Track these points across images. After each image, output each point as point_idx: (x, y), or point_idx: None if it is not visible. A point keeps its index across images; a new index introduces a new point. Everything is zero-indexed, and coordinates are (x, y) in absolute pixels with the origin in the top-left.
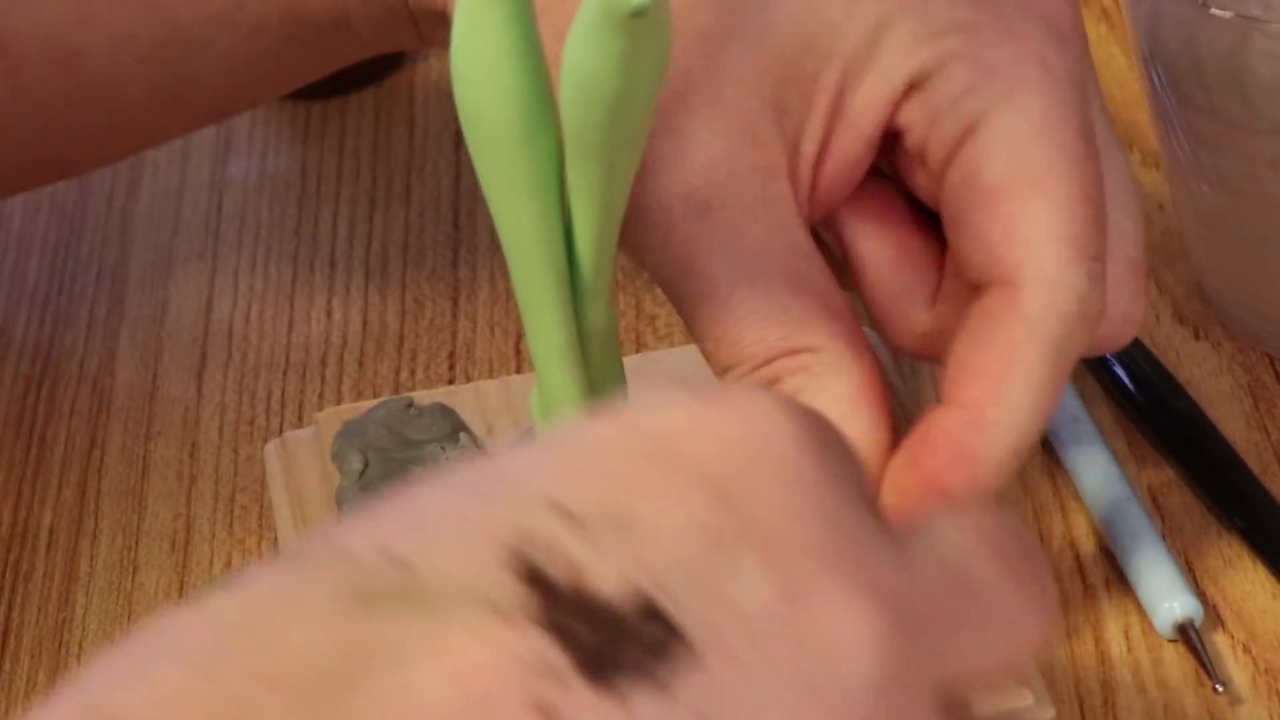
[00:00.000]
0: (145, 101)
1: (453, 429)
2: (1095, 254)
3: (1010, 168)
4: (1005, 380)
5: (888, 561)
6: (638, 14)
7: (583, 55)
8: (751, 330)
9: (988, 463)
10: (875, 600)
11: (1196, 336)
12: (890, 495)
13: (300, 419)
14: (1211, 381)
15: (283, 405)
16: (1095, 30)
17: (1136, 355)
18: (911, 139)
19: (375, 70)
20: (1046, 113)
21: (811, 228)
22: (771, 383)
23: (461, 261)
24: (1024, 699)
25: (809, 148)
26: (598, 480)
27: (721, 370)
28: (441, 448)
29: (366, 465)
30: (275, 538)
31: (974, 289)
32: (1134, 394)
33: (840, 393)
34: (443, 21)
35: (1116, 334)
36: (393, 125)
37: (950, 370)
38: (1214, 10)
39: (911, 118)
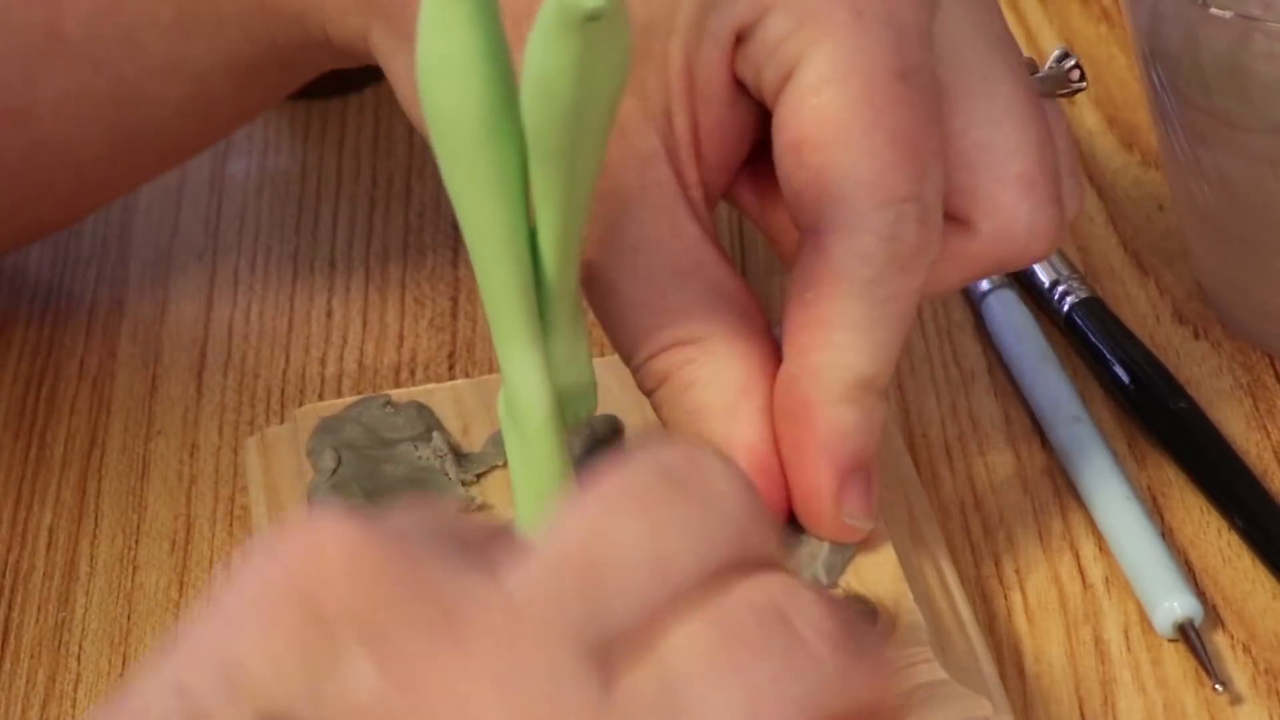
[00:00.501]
0: (101, 158)
1: (427, 428)
2: (905, 195)
3: (814, 117)
4: (822, 324)
5: (489, 603)
6: (592, 17)
7: (540, 58)
8: (639, 322)
9: (825, 407)
10: (480, 639)
11: (1196, 336)
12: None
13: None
14: (1211, 381)
15: (282, 405)
16: (1095, 30)
17: (1136, 355)
18: (750, 90)
19: (375, 70)
20: (853, 57)
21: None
22: (664, 377)
23: (461, 261)
24: (983, 708)
25: (680, 125)
26: (207, 653)
27: (626, 361)
28: (415, 446)
29: (340, 462)
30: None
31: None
32: (1134, 394)
33: (728, 382)
34: (360, 56)
35: (1022, 250)
36: (393, 125)
37: (784, 323)
38: (1214, 10)
39: (743, 71)
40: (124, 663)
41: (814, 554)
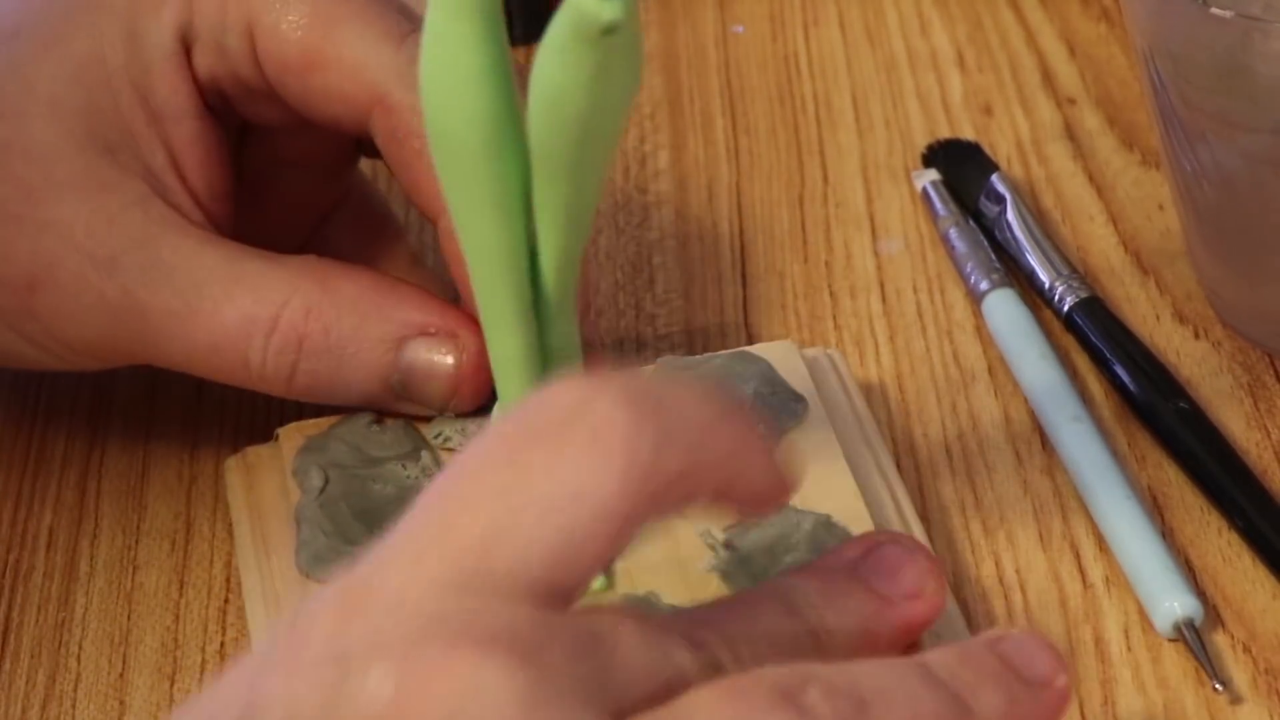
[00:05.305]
0: None
1: (414, 446)
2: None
3: (312, 23)
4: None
5: (500, 615)
6: (609, 31)
7: (552, 73)
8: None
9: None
10: (489, 647)
11: (1196, 336)
12: None
13: (300, 418)
14: (1211, 381)
15: (282, 404)
16: (1095, 30)
17: (1136, 355)
18: (226, 80)
19: None
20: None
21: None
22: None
23: None
24: None
25: (158, 162)
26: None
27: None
28: (403, 465)
29: (327, 482)
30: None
31: None
32: (1134, 394)
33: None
34: None
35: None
36: None
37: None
38: (1214, 10)
39: (204, 62)
40: (124, 663)
41: (799, 526)
